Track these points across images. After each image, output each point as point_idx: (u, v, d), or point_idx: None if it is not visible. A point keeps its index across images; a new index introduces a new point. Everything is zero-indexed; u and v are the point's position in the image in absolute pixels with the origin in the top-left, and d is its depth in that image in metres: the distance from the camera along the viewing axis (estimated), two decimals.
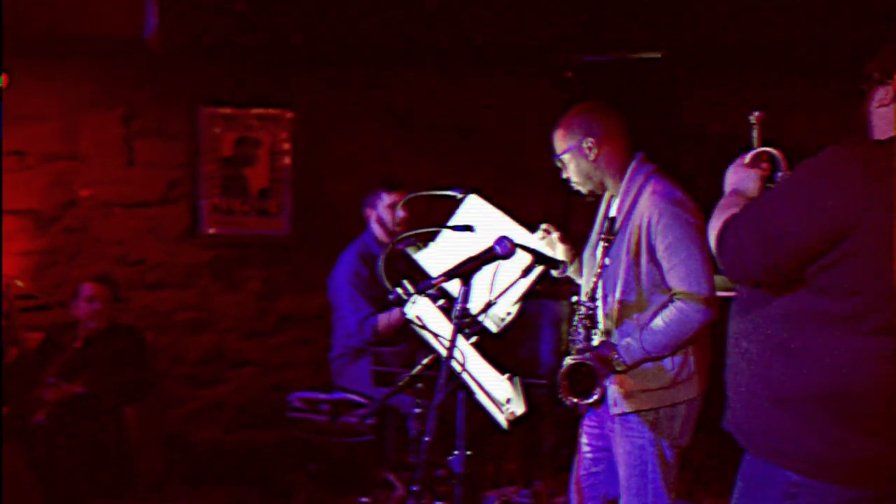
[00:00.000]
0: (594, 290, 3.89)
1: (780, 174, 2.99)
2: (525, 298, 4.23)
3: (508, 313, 4.20)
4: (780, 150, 3.07)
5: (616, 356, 3.89)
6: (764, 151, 3.04)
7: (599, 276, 3.88)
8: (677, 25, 6.28)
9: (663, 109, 6.40)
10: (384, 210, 6.10)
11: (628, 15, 6.16)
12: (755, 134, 3.12)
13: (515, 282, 3.98)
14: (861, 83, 2.86)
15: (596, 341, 3.93)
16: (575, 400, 3.84)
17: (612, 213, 4.05)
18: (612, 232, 3.89)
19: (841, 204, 2.60)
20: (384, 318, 5.88)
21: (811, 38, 6.20)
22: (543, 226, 4.27)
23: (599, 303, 3.96)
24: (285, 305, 7.32)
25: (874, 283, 2.62)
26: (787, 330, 2.74)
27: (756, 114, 3.17)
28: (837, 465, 2.68)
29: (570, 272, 4.28)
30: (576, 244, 4.28)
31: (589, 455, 4.18)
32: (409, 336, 5.88)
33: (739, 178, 3.05)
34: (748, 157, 3.04)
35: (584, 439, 4.20)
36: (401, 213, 6.06)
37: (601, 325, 3.98)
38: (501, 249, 3.52)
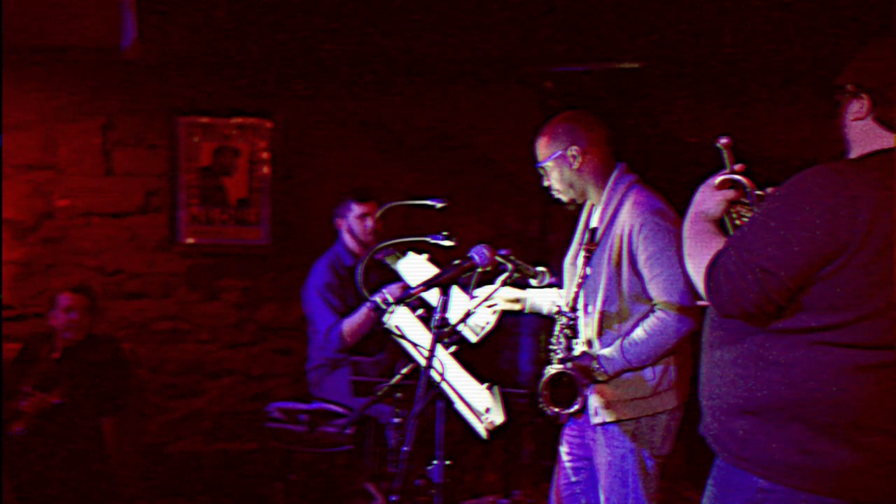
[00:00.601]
0: (575, 299, 3.90)
1: (750, 198, 2.96)
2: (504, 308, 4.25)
3: (487, 323, 4.21)
4: (747, 174, 3.05)
5: (597, 366, 3.90)
6: (728, 178, 3.04)
7: (581, 286, 3.88)
8: (655, 36, 6.30)
9: (641, 120, 6.42)
10: (354, 220, 6.09)
11: (607, 26, 6.17)
12: (726, 157, 3.13)
13: (494, 292, 3.99)
14: (834, 96, 2.88)
15: (577, 351, 3.94)
16: (556, 410, 3.84)
17: (594, 223, 4.06)
18: (593, 242, 3.89)
19: (829, 228, 2.61)
20: (347, 323, 5.87)
21: (787, 51, 6.23)
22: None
23: (581, 313, 3.97)
24: (264, 315, 7.31)
25: (854, 299, 2.63)
26: (763, 342, 2.75)
27: (723, 140, 3.18)
28: (807, 472, 2.68)
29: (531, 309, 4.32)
30: (552, 254, 4.29)
31: (569, 465, 4.18)
32: (387, 346, 5.89)
33: (704, 198, 3.03)
34: (717, 181, 3.04)
35: (564, 448, 4.20)
36: (370, 224, 6.06)
37: (582, 335, 3.99)
38: (480, 259, 3.53)
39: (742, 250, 2.73)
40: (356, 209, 6.09)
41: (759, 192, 2.91)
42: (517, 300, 4.32)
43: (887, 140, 2.76)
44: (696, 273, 2.89)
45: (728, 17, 6.03)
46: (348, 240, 6.16)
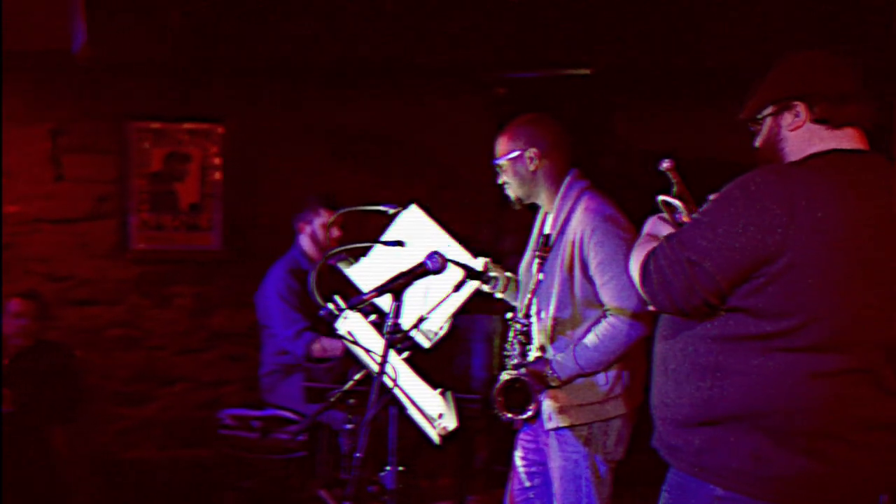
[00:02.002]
0: (529, 305, 3.91)
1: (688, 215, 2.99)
2: (458, 314, 4.25)
3: (440, 328, 4.20)
4: (685, 193, 3.08)
5: (550, 372, 3.91)
6: (663, 201, 3.07)
7: (534, 291, 3.89)
8: (606, 43, 6.34)
9: (592, 125, 6.46)
10: (319, 227, 6.08)
11: (558, 33, 6.20)
12: (671, 178, 3.15)
13: (447, 297, 3.99)
14: (757, 113, 2.92)
15: (531, 357, 3.94)
16: (510, 415, 3.84)
17: (547, 229, 4.07)
18: (546, 248, 3.90)
19: (764, 228, 2.62)
20: (320, 344, 5.86)
21: (738, 57, 6.28)
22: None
23: (534, 318, 3.97)
24: (216, 322, 7.27)
25: (804, 303, 2.64)
26: (717, 351, 2.75)
27: (665, 164, 3.21)
28: (763, 480, 2.69)
29: (506, 295, 4.30)
30: (505, 260, 4.30)
31: (523, 470, 4.19)
32: (324, 357, 5.87)
33: (654, 223, 3.08)
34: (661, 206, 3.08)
35: (518, 454, 4.21)
36: (335, 233, 6.06)
37: (536, 341, 4.00)
38: (433, 265, 3.53)
39: (675, 243, 2.76)
40: (325, 215, 6.07)
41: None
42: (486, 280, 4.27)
43: (825, 142, 2.80)
44: (635, 267, 2.92)
45: (679, 25, 6.08)
46: (308, 245, 6.15)
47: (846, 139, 2.80)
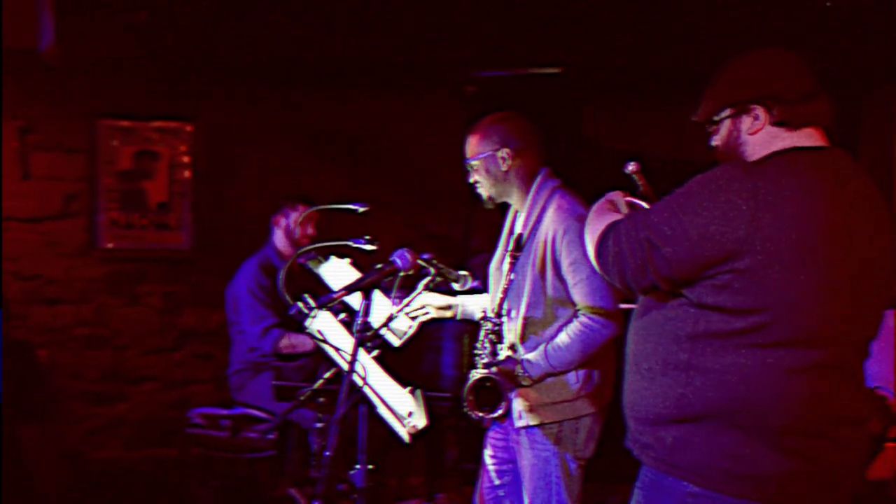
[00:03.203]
0: (501, 305, 3.91)
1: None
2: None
3: (410, 327, 4.21)
4: (651, 195, 3.12)
5: (521, 371, 3.91)
6: (628, 202, 3.10)
7: (506, 291, 3.90)
8: (576, 42, 6.35)
9: (562, 124, 6.48)
10: (294, 223, 6.09)
11: (529, 31, 6.21)
12: (638, 182, 3.17)
13: (417, 295, 3.99)
14: (714, 116, 2.93)
15: (501, 356, 3.95)
16: (480, 414, 3.85)
17: (518, 228, 4.08)
18: (519, 247, 3.91)
19: (728, 222, 2.63)
20: (289, 340, 5.86)
21: (708, 55, 6.31)
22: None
23: (505, 318, 3.98)
24: (186, 321, 7.25)
25: (771, 300, 2.64)
26: (689, 349, 2.75)
27: (631, 167, 3.22)
28: (737, 477, 2.69)
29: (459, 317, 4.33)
30: (474, 258, 4.31)
31: (493, 468, 4.20)
32: (310, 350, 5.86)
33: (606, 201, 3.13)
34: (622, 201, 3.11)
35: (488, 452, 4.22)
36: (310, 231, 6.08)
37: (507, 340, 4.00)
38: (402, 263, 3.53)
39: (639, 223, 2.78)
40: (301, 212, 6.07)
41: None
42: (448, 307, 4.32)
43: (786, 141, 2.80)
44: (592, 237, 2.95)
45: (648, 23, 6.10)
46: (282, 242, 6.16)
47: (806, 138, 2.81)
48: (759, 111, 2.82)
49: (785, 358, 2.68)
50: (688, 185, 2.76)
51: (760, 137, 2.84)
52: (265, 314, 5.95)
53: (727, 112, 2.89)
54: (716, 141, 2.95)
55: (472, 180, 4.17)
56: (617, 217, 2.95)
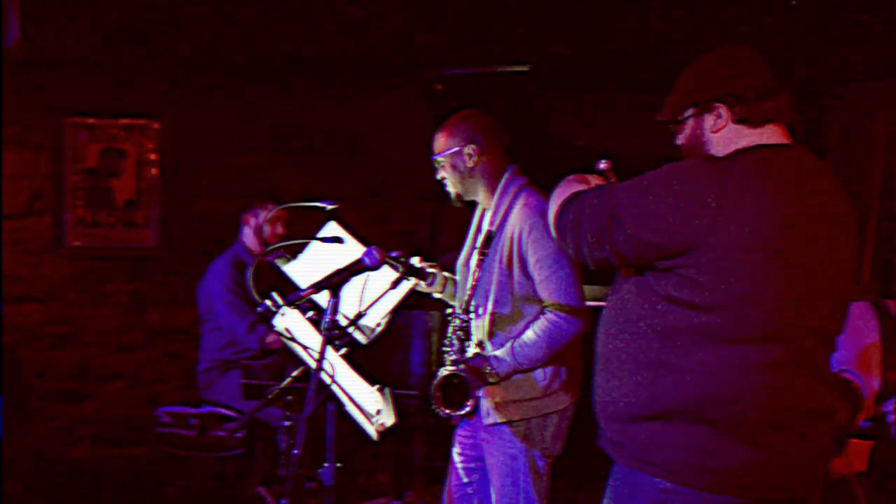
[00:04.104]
0: (468, 301, 3.92)
1: None
2: (395, 310, 4.26)
3: (378, 324, 4.21)
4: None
5: (489, 368, 3.92)
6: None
7: (473, 288, 3.91)
8: (544, 39, 6.37)
9: (530, 121, 6.48)
10: (264, 221, 6.08)
11: (496, 29, 6.22)
12: (610, 180, 3.19)
13: (385, 293, 3.99)
14: (677, 115, 2.95)
15: (469, 353, 3.96)
16: (448, 411, 3.86)
17: (485, 225, 4.09)
18: (486, 245, 3.92)
19: (692, 213, 2.65)
20: (276, 335, 5.86)
21: (676, 53, 6.34)
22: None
23: (473, 314, 3.98)
24: (153, 319, 7.23)
25: (734, 294, 2.66)
26: (659, 346, 2.76)
27: (602, 164, 3.24)
28: (709, 472, 2.71)
29: (444, 295, 4.30)
30: (443, 255, 4.31)
31: (461, 466, 4.20)
32: (278, 349, 5.86)
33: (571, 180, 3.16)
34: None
35: (456, 450, 4.22)
36: (280, 229, 6.07)
37: (474, 337, 4.01)
38: (370, 261, 3.54)
39: (605, 196, 2.82)
40: (273, 211, 6.06)
41: None
42: (427, 275, 4.25)
43: (749, 139, 2.83)
44: (555, 203, 2.99)
45: (617, 21, 6.12)
46: (252, 240, 6.15)
47: (769, 135, 2.84)
48: (722, 109, 2.85)
49: (751, 353, 2.70)
50: (658, 171, 2.77)
51: (724, 135, 2.86)
52: (244, 313, 5.94)
53: (690, 111, 2.92)
54: (680, 139, 2.98)
55: (439, 177, 4.18)
56: (584, 188, 2.97)
